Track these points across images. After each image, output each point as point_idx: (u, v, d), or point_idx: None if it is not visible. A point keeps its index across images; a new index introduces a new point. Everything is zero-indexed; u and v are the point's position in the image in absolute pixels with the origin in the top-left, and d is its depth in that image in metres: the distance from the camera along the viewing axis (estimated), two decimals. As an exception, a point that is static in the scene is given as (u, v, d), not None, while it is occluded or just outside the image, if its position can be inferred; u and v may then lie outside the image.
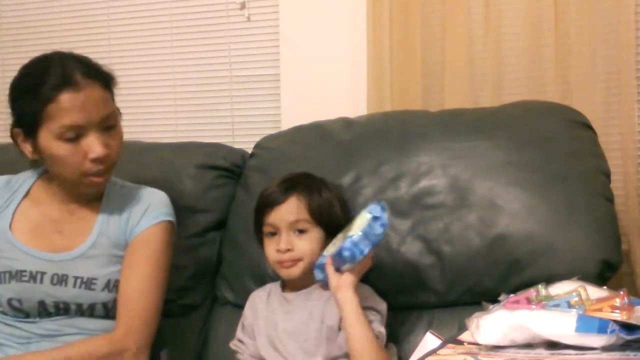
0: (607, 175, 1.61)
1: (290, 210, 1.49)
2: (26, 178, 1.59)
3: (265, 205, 1.52)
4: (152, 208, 1.55)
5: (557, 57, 1.89)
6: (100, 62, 1.51)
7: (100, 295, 1.50)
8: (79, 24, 2.39)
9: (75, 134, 1.42)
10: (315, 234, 1.49)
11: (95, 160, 1.44)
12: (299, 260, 1.49)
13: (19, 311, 1.49)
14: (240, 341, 1.57)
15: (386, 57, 1.98)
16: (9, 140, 1.52)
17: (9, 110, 1.49)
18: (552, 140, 1.60)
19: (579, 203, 1.52)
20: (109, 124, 1.46)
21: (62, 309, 1.49)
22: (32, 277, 1.48)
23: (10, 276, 1.48)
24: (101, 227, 1.53)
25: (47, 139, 1.43)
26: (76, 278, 1.48)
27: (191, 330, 1.77)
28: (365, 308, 1.42)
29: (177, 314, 1.77)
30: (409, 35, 1.98)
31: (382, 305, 1.49)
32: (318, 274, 1.44)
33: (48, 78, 1.41)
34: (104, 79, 1.48)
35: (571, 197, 1.52)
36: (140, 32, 2.35)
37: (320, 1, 2.11)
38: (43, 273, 1.48)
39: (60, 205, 1.55)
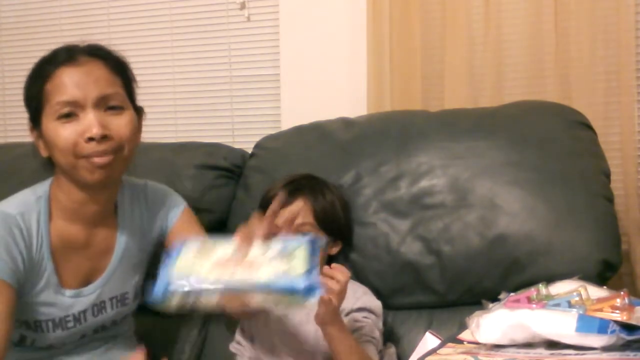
0: (607, 175, 1.61)
1: (295, 213, 1.49)
2: (33, 212, 1.37)
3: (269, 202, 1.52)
4: (171, 198, 1.55)
5: (557, 57, 1.89)
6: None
7: (132, 306, 1.49)
8: (79, 24, 2.39)
9: (70, 111, 1.30)
10: None
11: (91, 140, 1.29)
12: None
13: (53, 348, 1.43)
14: (239, 344, 1.57)
15: (386, 57, 1.98)
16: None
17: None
18: (552, 140, 1.60)
19: (579, 203, 1.52)
20: (111, 104, 1.33)
21: (100, 331, 1.46)
22: (76, 319, 1.41)
23: (54, 325, 1.39)
24: (126, 240, 1.46)
25: (47, 122, 1.32)
26: (111, 299, 1.45)
27: (191, 331, 1.77)
28: (359, 309, 1.42)
29: (177, 314, 1.77)
30: (409, 35, 1.98)
31: (377, 304, 1.49)
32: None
33: (52, 58, 1.36)
34: (112, 61, 1.38)
35: (571, 197, 1.52)
36: (140, 32, 2.35)
37: (320, 1, 2.11)
38: (84, 311, 1.41)
39: (83, 225, 1.41)
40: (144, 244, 1.51)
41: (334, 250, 1.54)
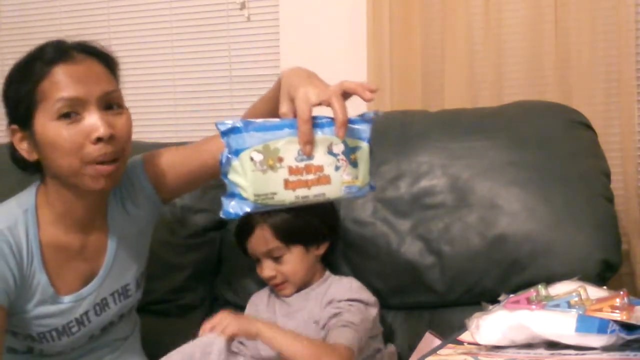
0: (607, 175, 1.61)
1: (258, 242, 1.50)
2: (20, 225, 1.30)
3: (238, 237, 1.55)
4: (132, 166, 1.42)
5: (557, 57, 1.89)
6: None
7: (136, 296, 1.46)
8: (79, 24, 2.39)
9: (73, 110, 1.23)
10: (293, 254, 1.50)
11: (99, 141, 1.22)
12: (287, 281, 1.51)
13: (62, 354, 1.41)
14: (241, 343, 1.56)
15: (386, 57, 1.98)
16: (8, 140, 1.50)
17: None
18: (552, 140, 1.60)
19: (579, 203, 1.52)
20: (113, 102, 1.28)
21: (108, 327, 1.44)
22: (80, 322, 1.37)
23: (58, 333, 1.35)
24: (119, 233, 1.40)
25: (44, 122, 1.24)
26: (113, 294, 1.40)
27: (191, 331, 1.77)
28: (347, 300, 1.43)
29: (177, 314, 1.77)
30: (409, 35, 1.98)
31: (370, 297, 1.49)
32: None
33: (42, 55, 1.27)
34: (105, 58, 1.32)
35: (571, 197, 1.52)
36: (140, 32, 2.36)
37: (320, 1, 2.12)
38: (87, 312, 1.37)
39: (76, 229, 1.35)
40: (139, 228, 1.44)
41: (321, 250, 1.54)
